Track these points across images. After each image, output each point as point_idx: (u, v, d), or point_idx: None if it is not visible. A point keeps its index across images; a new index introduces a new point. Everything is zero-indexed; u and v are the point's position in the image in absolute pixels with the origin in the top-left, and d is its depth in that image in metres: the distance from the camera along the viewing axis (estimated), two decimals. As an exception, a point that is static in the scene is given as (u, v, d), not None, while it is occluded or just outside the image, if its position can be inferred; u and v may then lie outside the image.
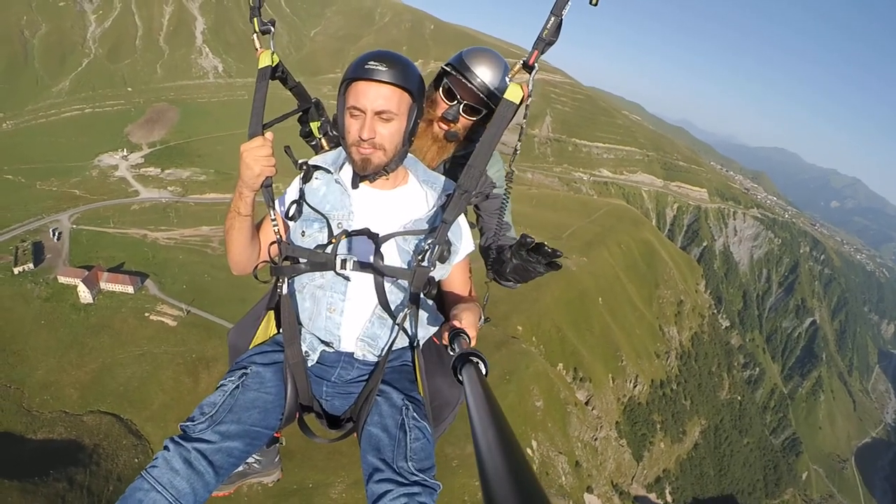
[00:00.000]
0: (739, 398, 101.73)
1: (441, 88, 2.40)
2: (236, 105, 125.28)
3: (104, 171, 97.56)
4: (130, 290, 55.51)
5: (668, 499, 77.94)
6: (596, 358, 67.93)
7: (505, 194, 2.23)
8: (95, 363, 48.12)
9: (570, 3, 1.74)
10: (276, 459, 2.66)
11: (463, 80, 2.34)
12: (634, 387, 73.68)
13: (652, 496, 74.72)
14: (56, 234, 68.35)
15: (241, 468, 2.37)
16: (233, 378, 1.87)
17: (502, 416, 0.85)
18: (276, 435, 2.09)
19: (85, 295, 54.25)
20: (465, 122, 2.42)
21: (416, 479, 1.66)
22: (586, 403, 61.51)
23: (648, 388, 76.15)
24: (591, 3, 1.71)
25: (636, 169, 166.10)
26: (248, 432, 1.75)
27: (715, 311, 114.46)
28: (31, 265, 60.36)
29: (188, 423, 1.72)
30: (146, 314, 52.42)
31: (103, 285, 55.64)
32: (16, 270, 59.15)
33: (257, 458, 2.52)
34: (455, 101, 2.37)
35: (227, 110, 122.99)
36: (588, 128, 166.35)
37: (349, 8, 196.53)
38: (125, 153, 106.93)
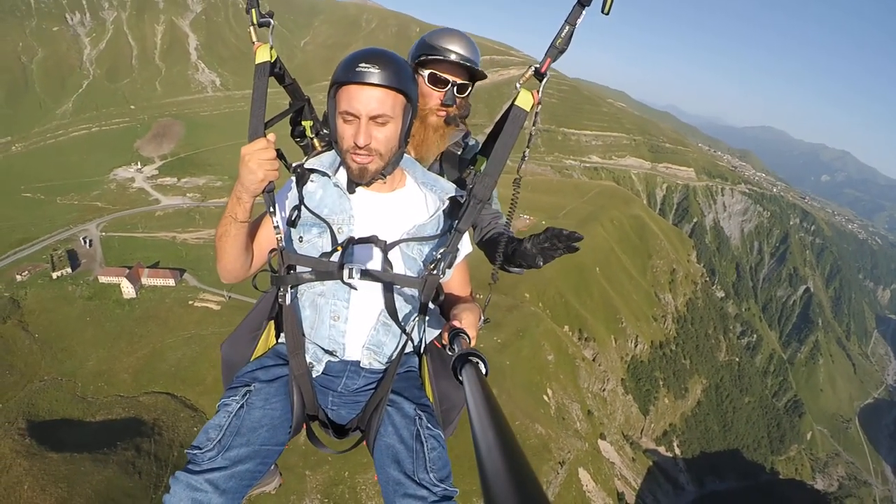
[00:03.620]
0: (737, 360, 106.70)
1: (426, 78, 2.39)
2: (239, 116, 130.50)
3: (122, 184, 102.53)
4: (172, 282, 60.22)
5: (677, 451, 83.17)
6: (598, 320, 73.12)
7: (513, 199, 2.17)
8: (146, 349, 52.28)
9: (584, 14, 1.79)
10: (273, 467, 2.57)
11: (446, 63, 2.36)
12: (636, 346, 79.00)
13: (661, 449, 79.88)
14: (87, 241, 72.95)
15: None
16: (235, 397, 1.83)
17: (502, 416, 0.85)
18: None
19: (128, 290, 58.74)
20: (458, 101, 2.45)
21: (439, 489, 1.67)
22: (593, 360, 66.68)
23: (649, 348, 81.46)
24: (602, 11, 1.73)
25: (624, 153, 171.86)
26: (258, 452, 1.73)
27: (708, 279, 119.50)
28: (68, 269, 64.74)
29: (196, 451, 1.67)
30: (190, 302, 56.91)
31: (145, 281, 60.28)
32: (54, 275, 63.43)
33: None
34: (449, 85, 2.39)
35: (231, 121, 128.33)
36: (575, 117, 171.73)
37: (336, 16, 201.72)
38: (139, 166, 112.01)
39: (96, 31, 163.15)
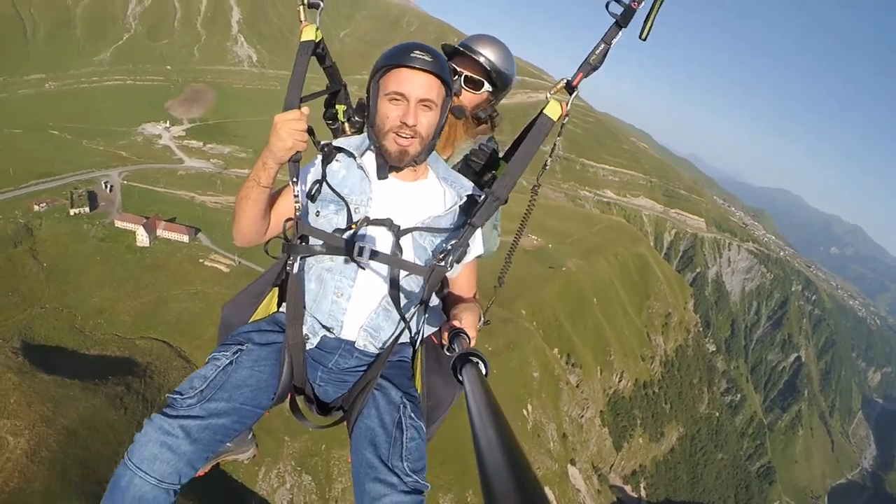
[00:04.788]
0: (718, 415, 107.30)
1: None
2: (270, 94, 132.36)
3: (148, 139, 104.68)
4: (186, 239, 61.81)
5: (643, 493, 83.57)
6: (587, 349, 74.30)
7: (529, 205, 2.24)
8: (150, 297, 53.65)
9: (621, 34, 1.85)
10: (250, 437, 2.63)
11: (462, 56, 2.45)
12: (619, 381, 79.99)
13: (627, 488, 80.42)
14: (108, 186, 74.49)
15: None
16: (226, 353, 1.86)
17: (502, 416, 0.85)
18: (265, 414, 1.96)
19: (143, 238, 60.32)
20: (468, 95, 2.48)
21: (410, 479, 1.67)
22: (576, 386, 67.77)
23: (632, 386, 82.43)
24: (640, 37, 1.81)
25: (639, 193, 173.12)
26: (237, 410, 1.75)
27: (701, 330, 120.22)
28: (86, 209, 66.24)
29: (176, 396, 1.70)
30: (200, 260, 58.46)
31: (160, 232, 61.85)
32: (72, 212, 65.03)
33: None
34: (455, 75, 2.43)
35: (262, 97, 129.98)
36: (596, 149, 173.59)
37: (378, 13, 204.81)
38: (167, 125, 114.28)
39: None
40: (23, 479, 30.71)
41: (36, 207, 63.94)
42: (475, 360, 1.35)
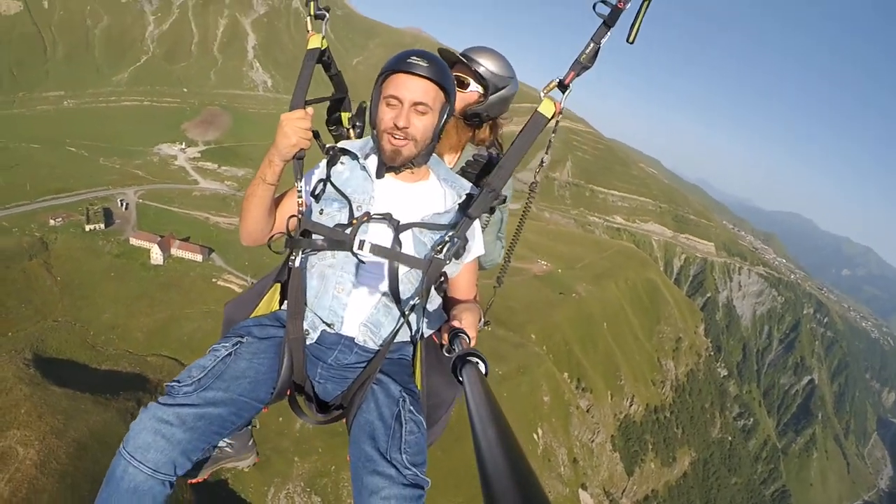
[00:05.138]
0: (731, 439, 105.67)
1: None
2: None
3: (164, 159, 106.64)
4: (199, 258, 62.61)
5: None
6: (597, 373, 73.79)
7: (527, 203, 2.28)
8: (163, 314, 53.96)
9: (609, 35, 1.90)
10: (250, 443, 2.59)
11: (458, 61, 2.52)
12: (630, 406, 79.13)
13: (640, 513, 78.97)
14: (124, 204, 75.88)
15: (213, 453, 2.34)
16: (226, 344, 1.86)
17: (502, 416, 0.85)
18: (263, 409, 1.94)
19: (157, 257, 61.10)
20: (457, 94, 2.37)
21: (409, 472, 1.65)
22: (587, 410, 67.14)
23: (643, 410, 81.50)
24: (627, 40, 1.87)
25: (648, 218, 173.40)
26: (234, 401, 1.73)
27: (712, 355, 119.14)
28: (101, 225, 67.35)
29: (174, 384, 1.69)
30: (213, 279, 59.08)
31: (174, 251, 62.68)
32: (87, 227, 66.14)
33: (229, 441, 2.43)
34: None
35: (276, 122, 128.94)
36: (606, 176, 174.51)
37: (391, 41, 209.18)
38: (183, 146, 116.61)
39: (161, 12, 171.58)
40: (31, 490, 30.47)
41: (52, 222, 65.08)
42: (475, 360, 1.34)
